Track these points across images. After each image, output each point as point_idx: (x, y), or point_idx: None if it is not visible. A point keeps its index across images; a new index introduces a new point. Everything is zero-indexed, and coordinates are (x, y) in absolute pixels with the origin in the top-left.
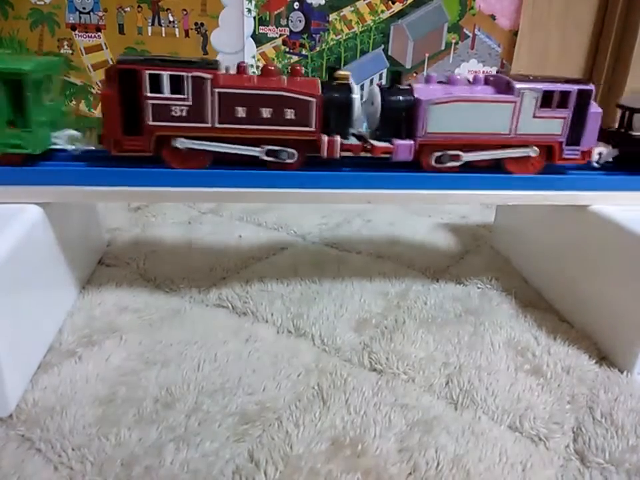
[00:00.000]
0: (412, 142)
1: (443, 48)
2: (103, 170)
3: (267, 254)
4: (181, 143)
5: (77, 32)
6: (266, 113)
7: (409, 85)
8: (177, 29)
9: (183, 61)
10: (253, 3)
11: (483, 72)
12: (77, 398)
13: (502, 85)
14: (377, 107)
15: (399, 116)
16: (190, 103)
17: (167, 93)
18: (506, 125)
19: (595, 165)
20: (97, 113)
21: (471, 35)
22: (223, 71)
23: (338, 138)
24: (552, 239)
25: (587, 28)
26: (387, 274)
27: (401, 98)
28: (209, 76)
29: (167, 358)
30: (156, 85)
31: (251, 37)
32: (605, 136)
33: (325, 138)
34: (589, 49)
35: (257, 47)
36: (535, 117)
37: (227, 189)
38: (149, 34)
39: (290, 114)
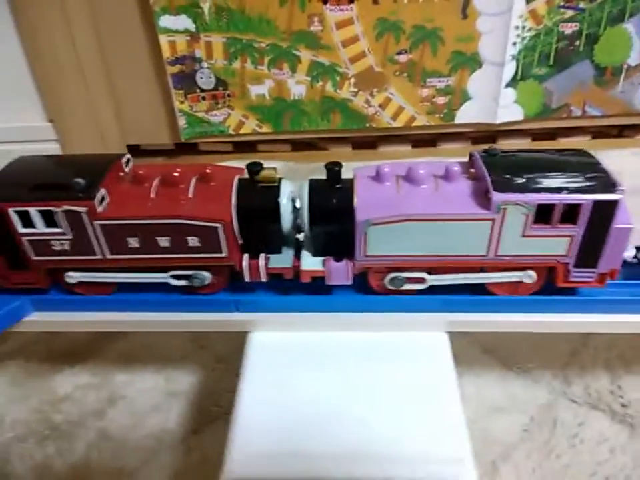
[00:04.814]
0: (349, 263)
1: None
2: None
3: None
4: (70, 278)
5: (327, 5)
6: (164, 242)
7: (350, 185)
8: None
9: (59, 185)
10: None
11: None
12: None
13: (482, 187)
14: (304, 211)
15: (332, 226)
16: (70, 236)
17: (41, 228)
18: (481, 247)
19: (633, 260)
20: (343, 93)
21: None
22: (123, 170)
23: (262, 260)
24: None
25: None
26: None
27: (334, 202)
28: (82, 209)
29: None
30: (27, 220)
31: None
32: None
33: (245, 262)
34: None
35: (526, 3)
36: (524, 236)
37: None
38: (405, 1)
39: (193, 241)
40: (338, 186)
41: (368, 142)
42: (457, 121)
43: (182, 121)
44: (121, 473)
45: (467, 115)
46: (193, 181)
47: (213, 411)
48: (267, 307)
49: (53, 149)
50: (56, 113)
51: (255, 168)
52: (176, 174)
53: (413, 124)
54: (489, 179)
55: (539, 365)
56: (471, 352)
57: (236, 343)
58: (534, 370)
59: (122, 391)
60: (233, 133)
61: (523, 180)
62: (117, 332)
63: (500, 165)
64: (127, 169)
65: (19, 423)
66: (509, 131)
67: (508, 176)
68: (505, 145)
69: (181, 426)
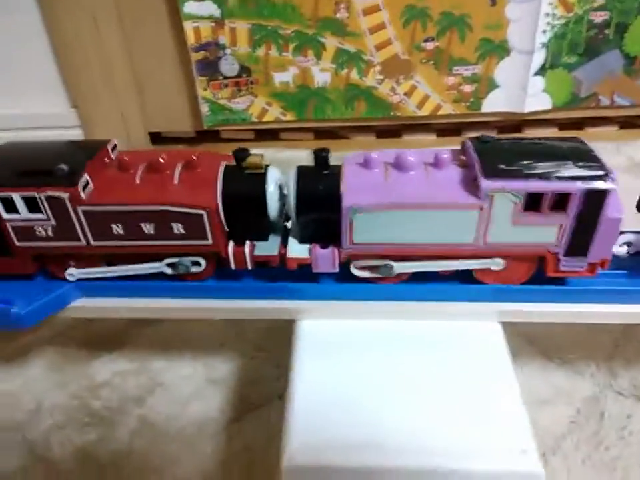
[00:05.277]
0: (335, 250)
1: None
2: None
3: None
4: (71, 276)
5: None
6: (148, 228)
7: (337, 171)
8: None
9: (42, 171)
10: None
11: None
12: None
13: (472, 175)
14: (291, 198)
15: (319, 212)
16: (53, 222)
17: (24, 214)
18: (469, 235)
19: (623, 254)
20: (368, 81)
21: None
22: (109, 156)
23: (247, 248)
24: None
25: None
26: None
27: (321, 188)
28: (64, 195)
29: None
30: (10, 205)
31: None
32: None
33: (231, 249)
34: None
35: None
36: (514, 224)
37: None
38: None
39: (178, 228)
40: (326, 172)
41: (392, 130)
42: (484, 109)
43: (205, 108)
44: (163, 460)
45: (493, 103)
46: (179, 167)
47: (254, 399)
48: (317, 294)
49: (76, 134)
50: (80, 99)
51: (241, 154)
52: (161, 160)
53: (439, 112)
54: (478, 165)
55: (582, 357)
56: (512, 343)
57: (274, 330)
58: (577, 362)
59: (160, 378)
60: (255, 120)
61: (513, 167)
62: (152, 318)
63: (491, 152)
64: (113, 156)
65: (57, 409)
66: (535, 120)
67: (498, 163)
68: (531, 134)
69: (222, 413)
